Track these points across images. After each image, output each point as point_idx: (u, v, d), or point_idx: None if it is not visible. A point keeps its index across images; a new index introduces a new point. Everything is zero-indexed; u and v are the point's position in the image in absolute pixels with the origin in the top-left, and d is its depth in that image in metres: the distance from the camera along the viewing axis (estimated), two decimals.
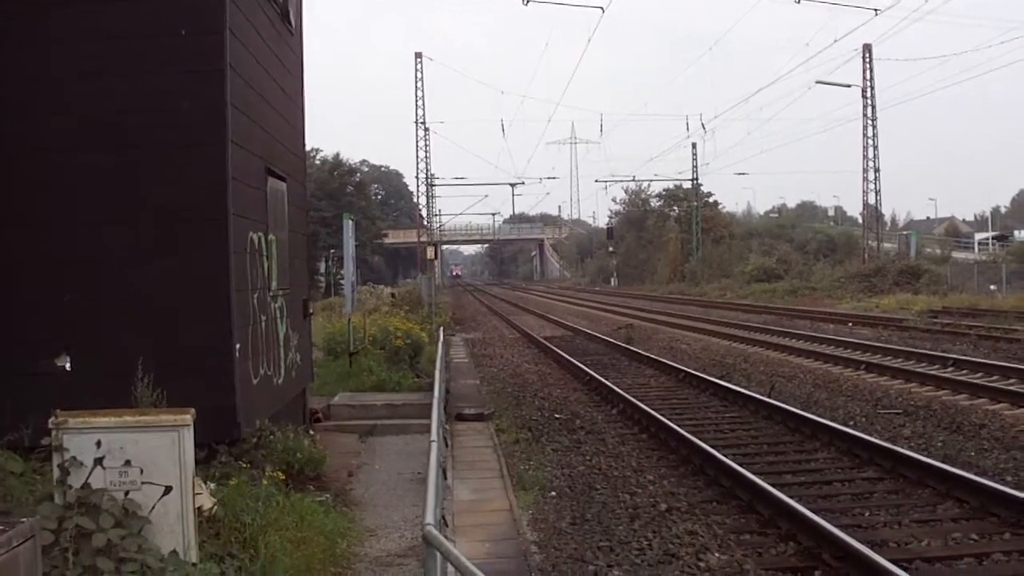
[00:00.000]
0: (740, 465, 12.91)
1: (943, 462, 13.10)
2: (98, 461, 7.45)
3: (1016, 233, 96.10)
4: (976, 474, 12.35)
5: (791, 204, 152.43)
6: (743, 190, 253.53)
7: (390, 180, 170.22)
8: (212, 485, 9.73)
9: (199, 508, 8.16)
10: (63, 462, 7.42)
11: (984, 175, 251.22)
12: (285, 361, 14.67)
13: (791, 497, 11.14)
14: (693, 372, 24.24)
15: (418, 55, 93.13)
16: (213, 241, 11.44)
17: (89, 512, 7.18)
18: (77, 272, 11.27)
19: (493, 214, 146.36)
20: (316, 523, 9.99)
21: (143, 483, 7.49)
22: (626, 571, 9.55)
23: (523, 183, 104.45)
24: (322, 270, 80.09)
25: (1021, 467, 13.39)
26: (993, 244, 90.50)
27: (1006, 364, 23.18)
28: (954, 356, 25.44)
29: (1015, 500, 10.71)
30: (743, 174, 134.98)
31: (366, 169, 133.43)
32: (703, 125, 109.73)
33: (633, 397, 19.71)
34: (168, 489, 7.53)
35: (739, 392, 20.37)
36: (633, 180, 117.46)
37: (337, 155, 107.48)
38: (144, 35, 11.47)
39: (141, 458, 7.50)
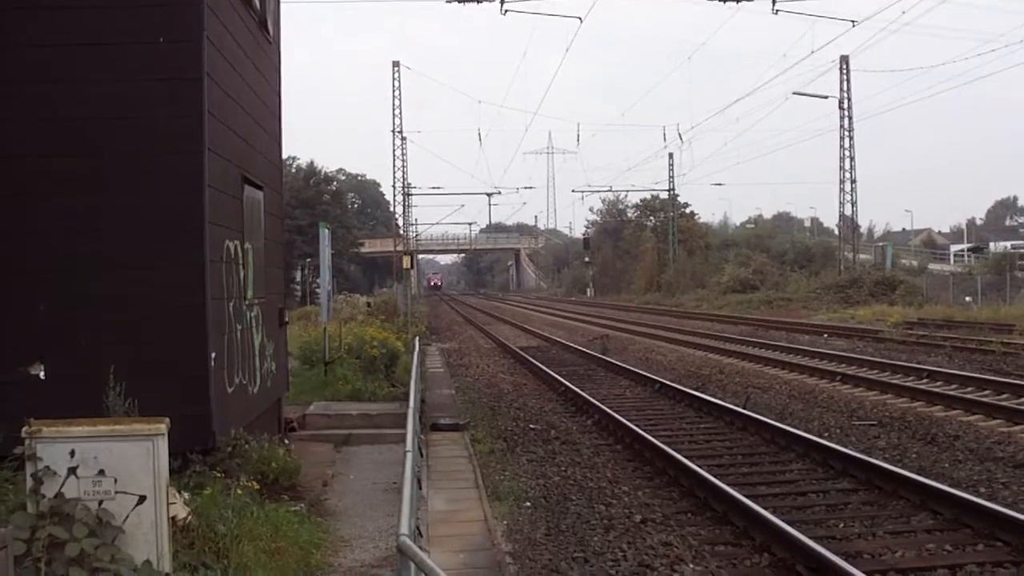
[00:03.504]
0: (715, 476, 12.92)
1: (917, 473, 13.16)
2: (72, 471, 7.41)
3: (991, 245, 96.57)
4: (950, 485, 12.39)
5: (767, 215, 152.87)
6: (720, 200, 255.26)
7: (367, 189, 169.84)
8: (186, 494, 9.68)
9: (173, 518, 8.12)
10: (36, 471, 7.37)
11: (961, 187, 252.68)
12: (260, 370, 14.62)
13: (766, 508, 11.15)
14: (668, 383, 24.26)
15: (396, 64, 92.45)
16: (189, 249, 11.40)
17: (62, 521, 7.14)
18: (51, 281, 11.20)
19: (469, 224, 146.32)
20: (290, 533, 9.97)
21: (117, 492, 7.45)
22: None
23: (500, 193, 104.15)
24: (298, 279, 79.83)
25: (995, 479, 13.47)
26: (968, 256, 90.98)
27: (980, 376, 23.35)
28: (929, 368, 25.59)
29: (988, 511, 10.76)
30: (720, 184, 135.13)
31: (342, 178, 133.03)
32: (680, 135, 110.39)
33: (608, 408, 19.70)
34: (142, 499, 7.49)
35: (714, 403, 20.40)
36: (610, 190, 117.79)
37: (312, 163, 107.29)
38: (121, 42, 11.43)
39: (115, 467, 7.46)
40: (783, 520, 10.62)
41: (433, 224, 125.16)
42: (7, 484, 8.60)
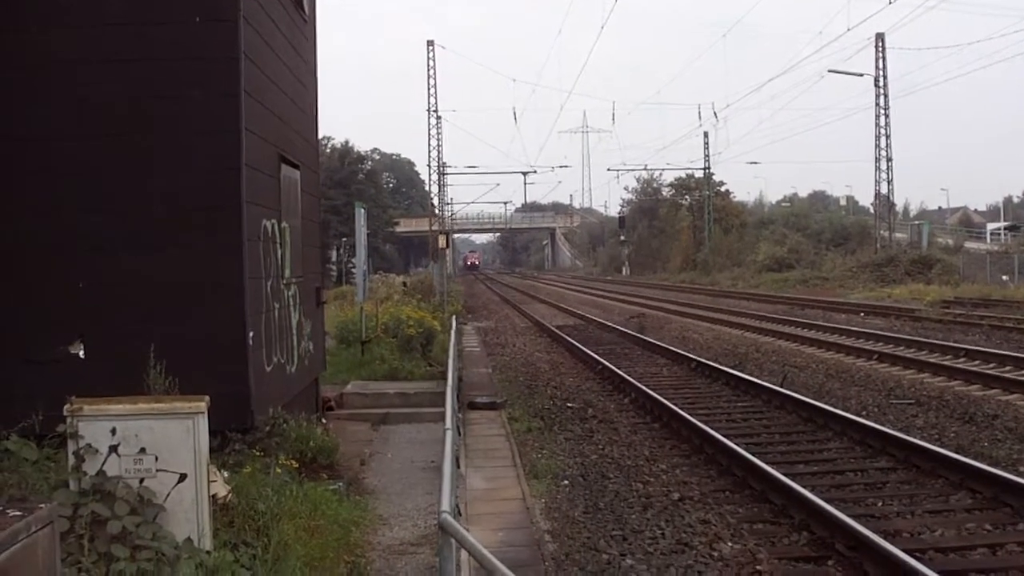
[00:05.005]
0: (753, 454, 12.90)
1: (956, 452, 13.08)
2: (113, 448, 7.47)
3: None
4: (989, 464, 12.31)
5: (803, 193, 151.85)
6: (755, 179, 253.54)
7: (401, 168, 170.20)
8: (226, 473, 9.74)
9: (213, 496, 8.18)
10: (78, 449, 7.44)
11: (997, 165, 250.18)
12: (298, 349, 14.67)
13: (804, 487, 11.12)
14: (705, 361, 24.19)
15: (430, 43, 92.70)
16: (227, 229, 11.44)
17: (104, 499, 7.20)
18: (90, 259, 11.27)
19: (505, 203, 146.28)
20: (329, 511, 10.01)
21: (158, 470, 7.51)
22: (639, 560, 9.54)
23: (535, 172, 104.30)
24: (334, 258, 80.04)
25: None
26: (1005, 234, 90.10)
27: (1018, 354, 23.11)
28: (966, 346, 25.38)
29: None
30: (755, 163, 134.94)
31: (377, 157, 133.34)
32: (715, 114, 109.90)
33: (645, 386, 19.68)
34: (183, 477, 7.54)
35: (751, 381, 20.33)
36: (645, 169, 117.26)
37: (347, 143, 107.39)
38: (158, 22, 11.45)
39: (156, 445, 7.52)
40: (822, 498, 10.59)
41: (468, 203, 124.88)
42: (49, 462, 8.66)
